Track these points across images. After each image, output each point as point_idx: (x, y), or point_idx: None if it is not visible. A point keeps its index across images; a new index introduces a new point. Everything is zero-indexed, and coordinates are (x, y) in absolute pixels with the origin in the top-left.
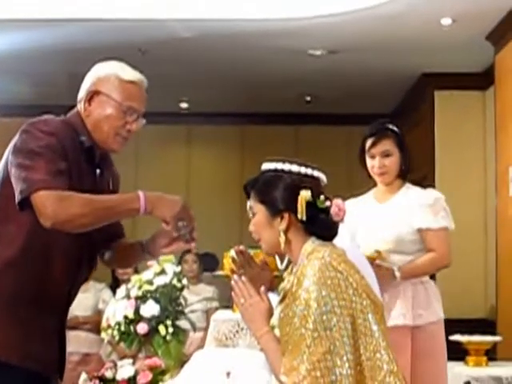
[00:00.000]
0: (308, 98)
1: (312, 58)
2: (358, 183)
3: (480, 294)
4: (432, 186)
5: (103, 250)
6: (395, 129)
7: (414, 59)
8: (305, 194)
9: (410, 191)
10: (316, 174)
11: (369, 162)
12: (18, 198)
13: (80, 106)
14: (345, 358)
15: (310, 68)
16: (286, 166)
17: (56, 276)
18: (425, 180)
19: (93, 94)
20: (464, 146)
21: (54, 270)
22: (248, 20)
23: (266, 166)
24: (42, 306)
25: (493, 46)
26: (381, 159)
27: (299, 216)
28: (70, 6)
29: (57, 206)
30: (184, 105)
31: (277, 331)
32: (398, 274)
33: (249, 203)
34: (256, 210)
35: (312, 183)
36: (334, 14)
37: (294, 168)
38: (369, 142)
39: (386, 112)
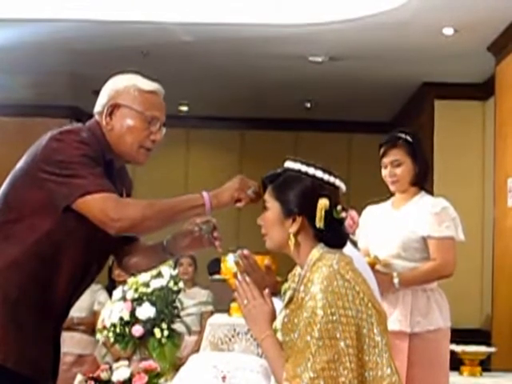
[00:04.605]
0: (308, 105)
1: (313, 64)
2: (357, 190)
3: (475, 304)
4: (431, 194)
5: (120, 255)
6: (407, 137)
7: (415, 68)
8: (324, 203)
9: (423, 199)
10: (338, 182)
11: (382, 171)
12: (63, 202)
13: (100, 120)
14: (348, 368)
15: (311, 74)
16: (311, 170)
17: (60, 283)
18: None
19: (113, 108)
20: (463, 156)
21: (60, 277)
22: (250, 25)
23: (289, 164)
24: (42, 312)
25: (494, 56)
26: (391, 169)
27: (317, 224)
28: (73, 7)
29: (118, 209)
30: (184, 108)
31: (279, 335)
32: (396, 280)
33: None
34: (269, 205)
35: (331, 191)
36: (336, 21)
37: (318, 173)
38: (381, 152)
39: (386, 120)
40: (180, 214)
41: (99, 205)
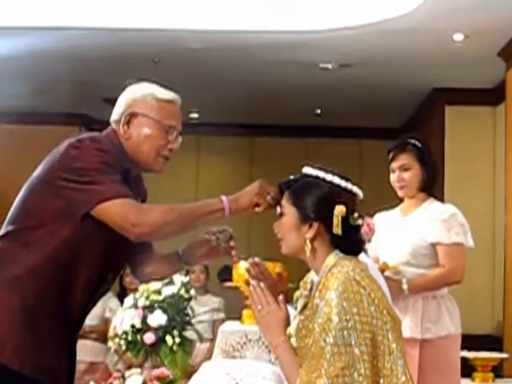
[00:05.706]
0: (318, 111)
1: (323, 71)
2: (368, 196)
3: (487, 310)
4: (441, 200)
5: (134, 265)
6: (416, 143)
7: (425, 74)
8: (341, 209)
9: (431, 206)
10: (355, 189)
11: (391, 176)
12: (82, 209)
13: (117, 128)
14: (363, 375)
15: (321, 81)
16: (328, 176)
17: (77, 290)
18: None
19: (130, 117)
20: (474, 162)
21: (77, 283)
22: (260, 32)
23: (307, 170)
24: (59, 319)
25: (504, 62)
26: (399, 173)
27: (334, 231)
28: (83, 15)
29: (138, 215)
30: (194, 115)
31: (293, 340)
32: (405, 286)
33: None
34: (286, 211)
35: (348, 198)
36: (346, 27)
37: (336, 180)
38: (389, 157)
39: (397, 126)
40: (200, 218)
41: (119, 210)
